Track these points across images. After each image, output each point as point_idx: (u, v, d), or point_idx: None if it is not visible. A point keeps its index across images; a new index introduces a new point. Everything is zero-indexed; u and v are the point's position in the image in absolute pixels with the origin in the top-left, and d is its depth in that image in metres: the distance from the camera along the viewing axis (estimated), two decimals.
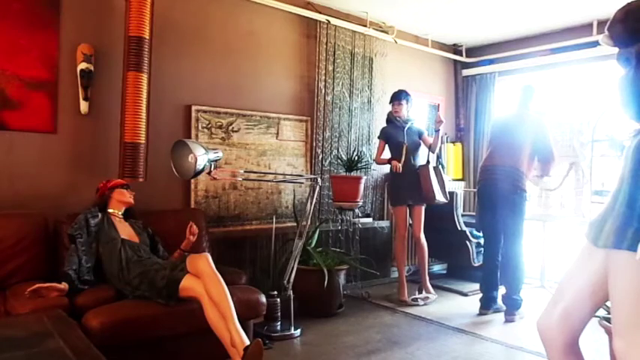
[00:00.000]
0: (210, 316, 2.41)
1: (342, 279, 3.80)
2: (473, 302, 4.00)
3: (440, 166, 4.18)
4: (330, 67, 4.36)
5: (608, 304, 1.70)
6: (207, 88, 3.68)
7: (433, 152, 4.10)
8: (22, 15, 2.89)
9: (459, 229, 4.59)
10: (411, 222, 4.20)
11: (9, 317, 2.19)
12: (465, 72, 5.67)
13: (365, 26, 4.61)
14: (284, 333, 3.20)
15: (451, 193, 4.39)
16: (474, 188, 4.79)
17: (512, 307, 3.66)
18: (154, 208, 3.24)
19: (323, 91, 4.31)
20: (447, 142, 5.55)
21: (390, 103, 4.23)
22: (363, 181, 3.92)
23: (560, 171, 4.34)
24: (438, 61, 5.54)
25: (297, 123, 4.22)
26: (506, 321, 3.64)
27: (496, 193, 3.68)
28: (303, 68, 4.28)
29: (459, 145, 5.71)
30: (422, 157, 4.19)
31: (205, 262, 2.52)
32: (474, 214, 5.04)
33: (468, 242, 4.52)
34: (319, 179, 3.45)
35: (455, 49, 5.66)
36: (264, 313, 2.99)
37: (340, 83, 4.44)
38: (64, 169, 3.07)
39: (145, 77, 3.03)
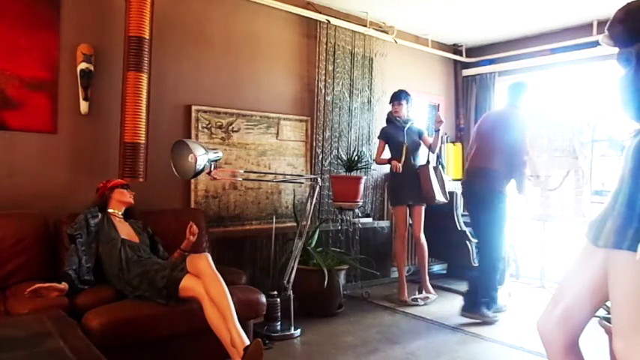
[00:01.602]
0: (210, 316, 2.41)
1: (342, 279, 3.80)
2: None
3: (440, 166, 4.18)
4: (330, 67, 4.36)
5: (608, 304, 1.70)
6: (207, 88, 3.68)
7: (433, 152, 4.10)
8: (22, 15, 2.89)
9: (459, 229, 4.60)
10: (411, 222, 4.21)
11: (9, 317, 2.19)
12: (465, 72, 5.67)
13: (365, 26, 4.61)
14: (284, 333, 3.20)
15: (451, 193, 4.39)
16: None
17: (470, 305, 3.61)
18: (154, 208, 3.24)
19: (323, 91, 4.31)
20: (447, 142, 5.56)
21: (390, 103, 4.23)
22: (363, 181, 3.91)
23: (560, 171, 4.34)
24: (438, 61, 5.54)
25: (297, 123, 4.22)
26: (461, 315, 3.61)
27: (471, 194, 3.69)
28: (303, 68, 4.28)
29: (458, 145, 5.71)
30: (422, 157, 4.19)
31: (205, 262, 2.52)
32: None
33: (467, 242, 4.52)
34: (319, 179, 3.45)
35: (455, 49, 5.66)
36: (264, 313, 2.99)
37: (340, 83, 4.44)
38: (64, 169, 3.07)
39: (145, 77, 3.03)
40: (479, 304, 3.58)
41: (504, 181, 3.58)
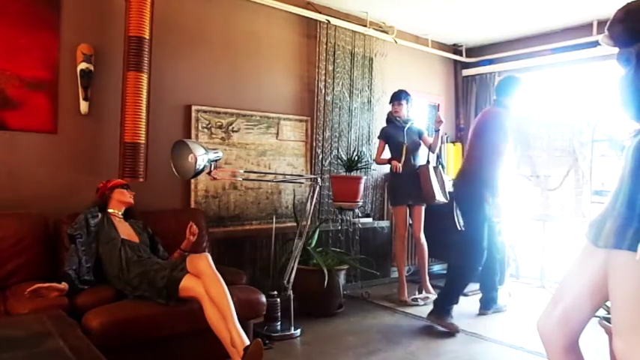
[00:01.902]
0: (210, 316, 2.41)
1: (342, 279, 3.80)
2: (473, 302, 3.99)
3: (440, 166, 4.18)
4: (330, 67, 4.36)
5: (608, 304, 1.70)
6: (207, 88, 3.68)
7: (433, 152, 4.10)
8: (22, 15, 2.89)
9: (459, 229, 4.58)
10: (411, 222, 4.21)
11: (9, 317, 2.19)
12: (465, 72, 5.67)
13: (365, 26, 4.60)
14: (284, 333, 3.20)
15: (451, 193, 4.38)
16: None
17: (437, 309, 3.44)
18: (154, 208, 3.24)
19: (323, 91, 4.31)
20: (447, 142, 5.56)
21: (390, 103, 4.23)
22: (363, 181, 3.91)
23: (560, 171, 4.33)
24: (438, 61, 5.54)
25: (297, 123, 4.22)
26: (427, 318, 3.48)
27: (456, 195, 3.71)
28: (303, 68, 4.28)
29: (458, 145, 5.71)
30: (422, 157, 4.19)
31: (205, 262, 2.52)
32: None
33: None
34: (319, 179, 3.44)
35: (455, 49, 5.66)
36: (264, 313, 2.99)
37: (340, 83, 4.44)
38: (64, 169, 3.07)
39: (145, 77, 3.03)
40: (445, 310, 3.41)
41: (484, 183, 3.49)
